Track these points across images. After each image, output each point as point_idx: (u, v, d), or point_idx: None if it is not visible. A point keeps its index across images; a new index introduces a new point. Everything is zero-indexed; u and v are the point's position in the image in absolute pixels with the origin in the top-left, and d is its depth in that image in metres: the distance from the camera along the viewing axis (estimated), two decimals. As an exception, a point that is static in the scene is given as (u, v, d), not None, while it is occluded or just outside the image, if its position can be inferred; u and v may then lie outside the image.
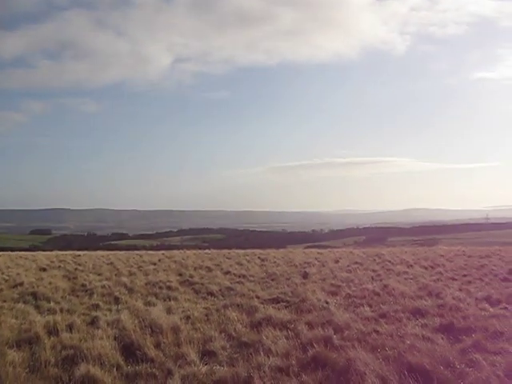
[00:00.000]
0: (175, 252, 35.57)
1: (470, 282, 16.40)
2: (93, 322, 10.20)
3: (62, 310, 11.63)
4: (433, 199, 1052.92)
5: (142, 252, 39.15)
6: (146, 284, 16.67)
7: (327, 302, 12.11)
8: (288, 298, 13.36)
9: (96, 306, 12.46)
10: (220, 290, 15.19)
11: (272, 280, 17.73)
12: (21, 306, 12.25)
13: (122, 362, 7.52)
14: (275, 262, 24.57)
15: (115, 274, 19.68)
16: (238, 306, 11.93)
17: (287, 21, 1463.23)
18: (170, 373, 6.98)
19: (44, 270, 22.39)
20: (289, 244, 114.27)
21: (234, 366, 7.25)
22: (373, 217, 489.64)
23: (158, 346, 8.33)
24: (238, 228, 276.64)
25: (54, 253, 38.03)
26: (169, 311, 11.09)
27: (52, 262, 26.87)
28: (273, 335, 8.78)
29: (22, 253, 37.82)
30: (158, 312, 10.18)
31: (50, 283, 16.58)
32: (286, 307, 12.05)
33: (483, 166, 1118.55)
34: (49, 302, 12.97)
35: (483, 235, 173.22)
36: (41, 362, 7.41)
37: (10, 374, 6.80)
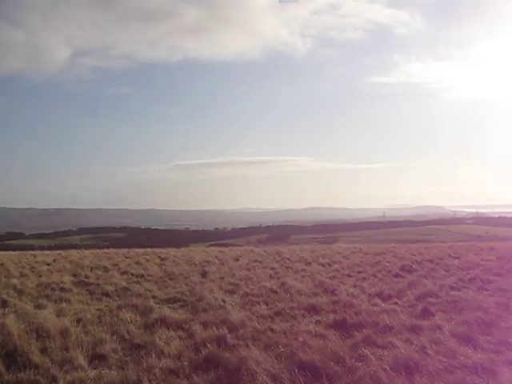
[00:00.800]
0: (72, 252, 34.25)
1: (364, 279, 16.87)
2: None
3: None
4: (334, 198, 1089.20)
5: (37, 252, 37.41)
6: (37, 286, 15.86)
7: (224, 301, 12.08)
8: (185, 298, 13.21)
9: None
10: (116, 291, 14.78)
11: (170, 279, 17.49)
12: None
13: (3, 370, 7.07)
14: (174, 261, 24.29)
15: (5, 276, 18.60)
16: (133, 306, 11.66)
17: (190, 18, 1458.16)
18: (54, 379, 6.66)
19: None
20: (192, 243, 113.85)
21: (123, 369, 7.07)
22: (276, 215, 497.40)
23: (44, 351, 7.88)
24: (140, 227, 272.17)
25: None
26: (59, 314, 10.59)
27: None
28: (166, 336, 8.63)
29: None
30: (47, 315, 9.69)
31: None
32: (182, 307, 11.95)
33: (380, 166, 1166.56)
34: None
35: (380, 233, 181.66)
36: None
37: None
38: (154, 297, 13.49)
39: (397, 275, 17.55)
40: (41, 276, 18.65)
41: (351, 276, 17.79)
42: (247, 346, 7.86)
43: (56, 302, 12.74)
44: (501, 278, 15.89)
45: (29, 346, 7.87)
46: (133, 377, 6.66)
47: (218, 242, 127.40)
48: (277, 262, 23.76)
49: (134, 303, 11.98)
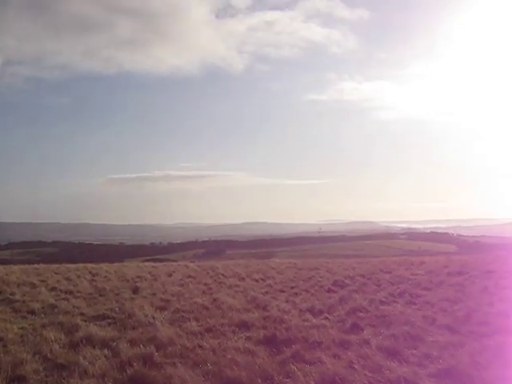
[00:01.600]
0: (-1, 267, 32.86)
1: (296, 294, 16.95)
2: None
3: None
4: (271, 213, 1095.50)
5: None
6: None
7: (154, 318, 11.84)
8: (114, 315, 12.82)
9: None
10: (42, 308, 14.17)
11: (100, 296, 17.00)
12: None
13: None
14: (106, 277, 23.67)
15: None
16: (58, 324, 11.23)
17: (125, 30, 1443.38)
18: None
19: None
20: (127, 258, 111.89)
21: (43, 390, 6.79)
22: (213, 230, 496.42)
23: (-42, 375, 7.47)
24: (73, 241, 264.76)
25: None
26: (-21, 334, 10.14)
27: None
28: (91, 355, 8.37)
29: None
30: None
31: None
32: (110, 324, 11.62)
33: (315, 182, 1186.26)
34: None
35: (316, 248, 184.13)
36: None
37: None
38: (82, 314, 13.07)
39: (329, 290, 17.73)
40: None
41: (284, 291, 17.83)
42: (174, 364, 7.75)
43: (-24, 321, 12.13)
44: (429, 291, 16.32)
45: None
46: (53, 399, 6.40)
47: (153, 257, 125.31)
48: (211, 277, 23.59)
49: (60, 321, 11.53)
